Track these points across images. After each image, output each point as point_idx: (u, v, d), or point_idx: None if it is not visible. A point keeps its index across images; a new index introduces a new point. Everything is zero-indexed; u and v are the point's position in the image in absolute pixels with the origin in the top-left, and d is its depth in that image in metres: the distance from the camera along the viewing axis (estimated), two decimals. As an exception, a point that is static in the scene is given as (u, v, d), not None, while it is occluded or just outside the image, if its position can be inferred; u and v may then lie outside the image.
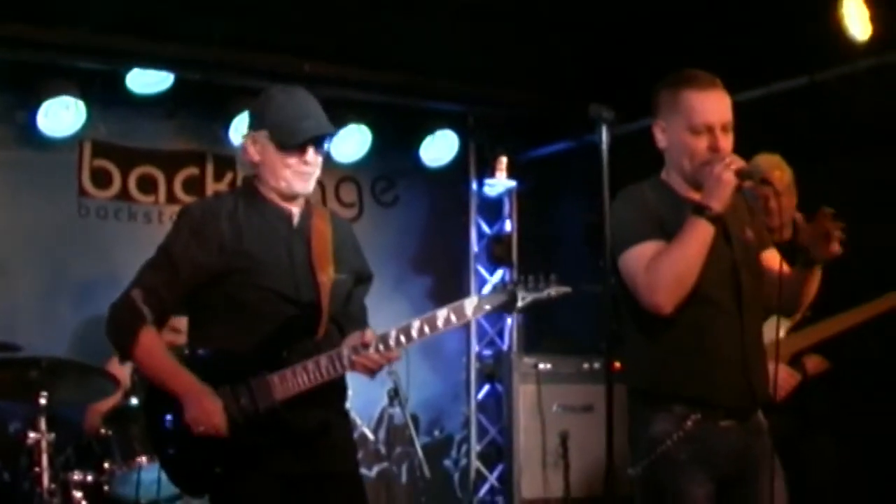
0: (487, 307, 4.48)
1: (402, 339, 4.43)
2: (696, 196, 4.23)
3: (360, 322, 4.72)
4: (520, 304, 4.44)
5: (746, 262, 4.33)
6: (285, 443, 4.39)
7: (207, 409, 4.30)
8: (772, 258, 4.46)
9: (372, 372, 4.47)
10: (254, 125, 4.64)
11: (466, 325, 9.74)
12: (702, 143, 4.24)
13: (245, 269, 4.45)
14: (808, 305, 4.45)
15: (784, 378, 5.69)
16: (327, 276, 4.54)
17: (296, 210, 4.60)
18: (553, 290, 4.50)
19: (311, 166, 4.52)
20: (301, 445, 4.43)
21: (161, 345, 4.48)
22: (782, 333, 5.85)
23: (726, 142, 4.26)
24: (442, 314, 4.43)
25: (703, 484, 4.17)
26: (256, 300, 4.44)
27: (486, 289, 9.80)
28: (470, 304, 4.45)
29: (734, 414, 4.23)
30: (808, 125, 7.29)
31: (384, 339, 4.40)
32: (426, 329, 4.43)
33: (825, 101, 7.43)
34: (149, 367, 4.52)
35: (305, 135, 4.46)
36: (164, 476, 5.33)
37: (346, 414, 4.81)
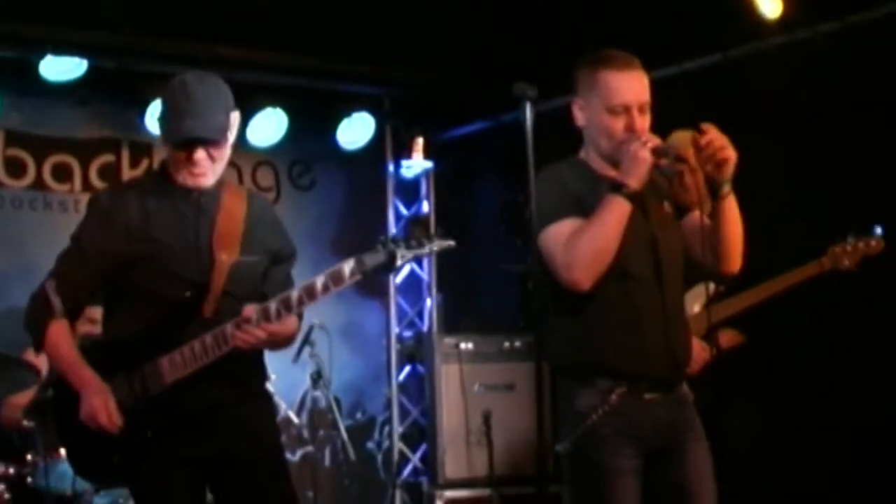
0: (366, 267, 4.26)
1: (282, 309, 4.28)
2: (613, 174, 4.28)
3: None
4: (399, 261, 4.30)
5: (665, 236, 4.37)
6: (178, 426, 4.35)
7: (97, 405, 4.26)
8: (693, 217, 4.47)
9: (252, 346, 4.32)
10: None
11: (386, 306, 9.78)
12: (619, 123, 4.29)
13: (151, 255, 4.39)
14: (736, 252, 4.42)
15: (696, 352, 5.73)
16: (228, 254, 4.44)
17: (196, 192, 4.48)
18: (435, 245, 4.37)
19: (201, 166, 4.38)
20: (194, 427, 4.36)
21: (66, 337, 4.44)
22: (697, 308, 5.94)
23: (643, 122, 4.31)
24: (320, 280, 4.25)
25: (631, 457, 4.21)
26: (163, 286, 4.39)
27: (403, 273, 9.82)
28: (347, 266, 4.26)
29: (659, 386, 4.28)
30: (720, 102, 7.37)
31: (264, 311, 4.28)
32: (305, 297, 4.27)
33: (737, 78, 7.53)
34: (54, 359, 4.52)
35: (179, 136, 4.34)
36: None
37: (259, 394, 4.69)
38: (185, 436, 4.35)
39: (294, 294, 4.29)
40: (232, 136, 4.47)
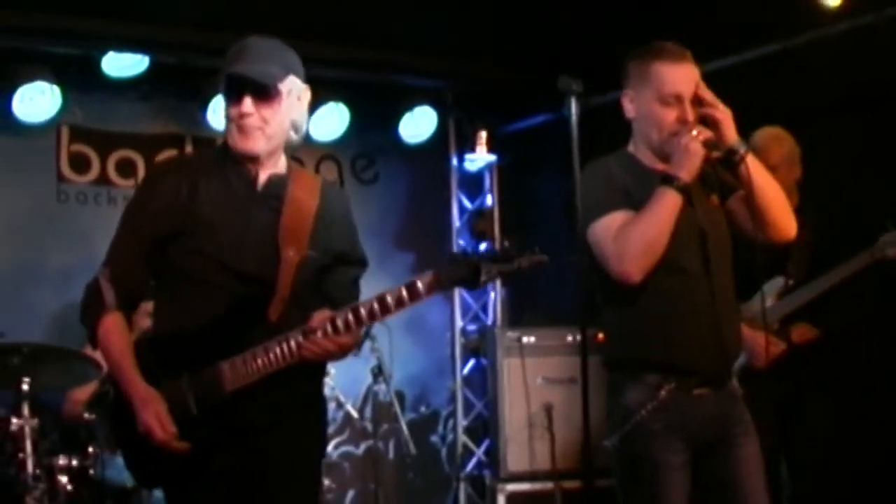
0: (445, 284, 3.96)
1: (352, 322, 3.94)
2: (662, 167, 4.26)
3: (343, 304, 4.11)
4: (484, 277, 3.93)
5: (713, 229, 4.35)
6: (233, 438, 4.01)
7: (151, 420, 3.91)
8: (737, 196, 4.46)
9: (321, 358, 4.02)
10: None
11: (450, 300, 9.76)
12: (670, 115, 4.27)
13: (190, 231, 4.05)
14: (780, 214, 4.35)
15: (764, 346, 5.69)
16: (296, 251, 4.09)
17: (263, 173, 4.14)
18: (525, 261, 4.01)
19: (251, 118, 4.03)
20: (250, 440, 4.02)
21: (118, 334, 4.11)
22: (769, 302, 5.88)
23: (695, 114, 4.28)
24: (393, 293, 3.94)
25: (679, 452, 4.19)
26: (199, 268, 4.04)
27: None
28: (424, 280, 3.95)
29: (708, 381, 4.25)
30: (781, 92, 7.29)
31: (333, 322, 3.94)
32: (378, 311, 3.94)
33: (798, 68, 7.43)
34: (105, 356, 4.20)
35: (225, 76, 4.03)
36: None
37: (316, 398, 4.34)
38: (237, 449, 4.01)
39: (366, 306, 3.96)
40: (291, 103, 4.17)
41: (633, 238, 4.12)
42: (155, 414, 3.93)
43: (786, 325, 5.99)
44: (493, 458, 8.90)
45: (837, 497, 6.56)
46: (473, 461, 9.57)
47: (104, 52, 7.97)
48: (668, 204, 4.13)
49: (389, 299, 3.94)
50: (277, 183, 4.17)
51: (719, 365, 4.28)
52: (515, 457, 8.56)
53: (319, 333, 3.95)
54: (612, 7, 7.82)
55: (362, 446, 9.13)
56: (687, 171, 4.15)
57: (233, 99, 4.05)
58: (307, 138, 8.46)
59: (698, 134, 4.18)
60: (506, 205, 9.85)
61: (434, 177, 9.82)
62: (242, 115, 4.02)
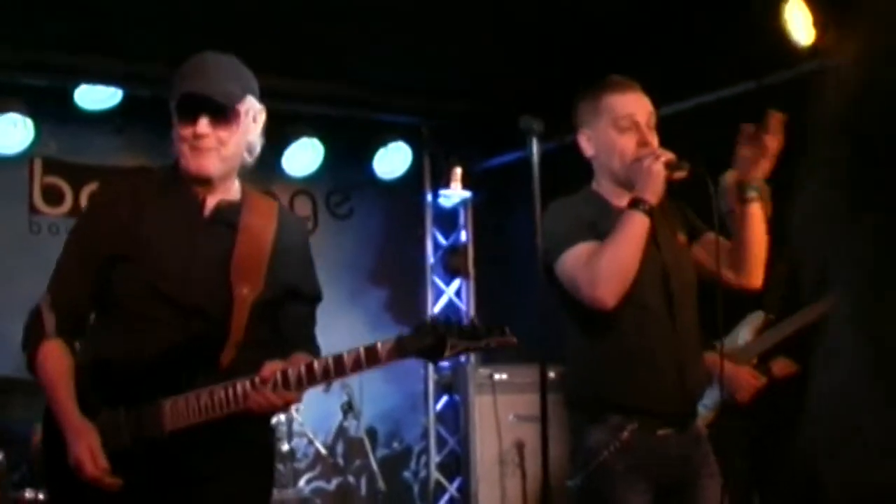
0: (407, 352, 3.72)
1: (305, 380, 3.73)
2: (626, 203, 4.25)
3: (297, 344, 3.99)
4: (448, 352, 3.71)
5: (677, 267, 4.35)
6: (167, 483, 3.78)
7: (82, 453, 3.69)
8: (709, 235, 4.45)
9: (264, 412, 3.79)
10: None
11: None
12: (630, 141, 4.29)
13: (133, 256, 3.83)
14: (758, 264, 4.36)
15: (748, 381, 5.71)
16: (251, 289, 3.87)
17: (212, 198, 3.92)
18: (493, 341, 3.83)
19: (207, 139, 3.81)
20: (185, 489, 3.80)
21: (54, 361, 3.88)
22: (749, 338, 5.89)
23: (653, 139, 4.30)
24: (352, 356, 3.71)
25: (642, 493, 4.17)
26: (141, 297, 3.81)
27: (441, 303, 9.80)
28: (386, 346, 3.73)
29: (672, 422, 4.24)
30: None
31: (284, 377, 3.73)
32: (332, 371, 3.72)
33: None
34: (42, 387, 3.92)
35: (181, 94, 3.80)
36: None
37: (262, 449, 4.11)
38: (171, 496, 3.79)
39: (321, 364, 3.76)
40: (247, 124, 3.93)
41: (603, 262, 4.10)
42: (87, 447, 3.71)
43: (765, 360, 5.99)
44: (465, 495, 8.87)
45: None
46: (446, 497, 9.54)
47: (77, 85, 7.97)
48: (636, 226, 4.11)
49: (346, 360, 3.73)
50: (229, 210, 3.97)
51: (682, 405, 4.27)
52: (486, 495, 8.51)
53: (269, 386, 3.73)
54: (588, 44, 7.83)
55: (334, 482, 9.09)
56: (651, 192, 4.14)
57: (187, 118, 3.83)
58: (280, 173, 8.58)
59: (660, 155, 4.18)
60: (480, 241, 9.86)
61: (409, 212, 9.82)
62: (198, 136, 3.81)
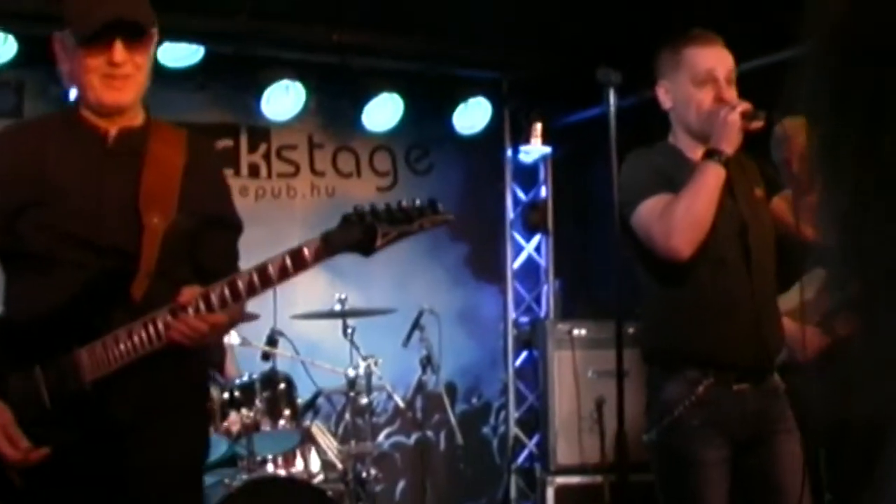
0: (335, 248, 3.45)
1: (228, 297, 3.46)
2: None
3: (222, 276, 3.59)
4: (380, 241, 3.43)
5: (756, 222, 4.31)
6: (95, 438, 3.50)
7: None
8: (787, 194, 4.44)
9: (192, 341, 3.48)
10: (63, 22, 3.65)
11: (503, 291, 9.74)
12: (707, 95, 4.27)
13: (39, 201, 3.55)
14: None
15: (812, 340, 5.65)
16: (161, 217, 3.58)
17: (113, 129, 3.64)
18: (427, 221, 3.52)
19: (122, 68, 3.52)
20: (114, 442, 3.52)
21: None
22: (810, 295, 5.84)
23: (731, 92, 4.27)
24: (275, 262, 3.45)
25: (718, 448, 4.17)
26: (51, 244, 3.54)
27: (521, 259, 9.80)
28: (311, 245, 3.46)
29: (748, 377, 4.22)
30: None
31: (206, 298, 3.46)
32: (257, 283, 3.44)
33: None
34: None
35: (96, 21, 3.47)
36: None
37: (193, 391, 3.86)
38: (97, 450, 3.51)
39: (244, 278, 3.48)
40: (154, 45, 3.70)
41: (678, 213, 4.08)
42: (1, 430, 3.44)
43: (829, 317, 5.93)
44: (543, 450, 8.89)
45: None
46: (525, 454, 9.56)
47: (160, 43, 7.98)
48: (711, 177, 4.10)
49: (271, 269, 3.46)
50: (133, 137, 3.69)
51: (760, 360, 4.25)
52: (565, 450, 8.53)
53: (190, 311, 3.46)
54: (668, 1, 7.77)
55: (413, 437, 9.14)
56: (727, 142, 4.11)
57: (100, 46, 3.51)
58: (360, 128, 8.59)
59: (736, 106, 4.16)
60: (560, 196, 9.82)
61: (488, 168, 9.79)
62: (115, 64, 3.52)
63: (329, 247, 3.45)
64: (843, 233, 0.61)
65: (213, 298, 3.46)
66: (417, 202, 3.53)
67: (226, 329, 3.82)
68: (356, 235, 3.44)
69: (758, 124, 4.16)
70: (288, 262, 3.45)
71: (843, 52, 0.56)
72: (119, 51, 3.51)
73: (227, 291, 3.47)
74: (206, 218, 3.74)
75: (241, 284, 3.47)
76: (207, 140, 4.18)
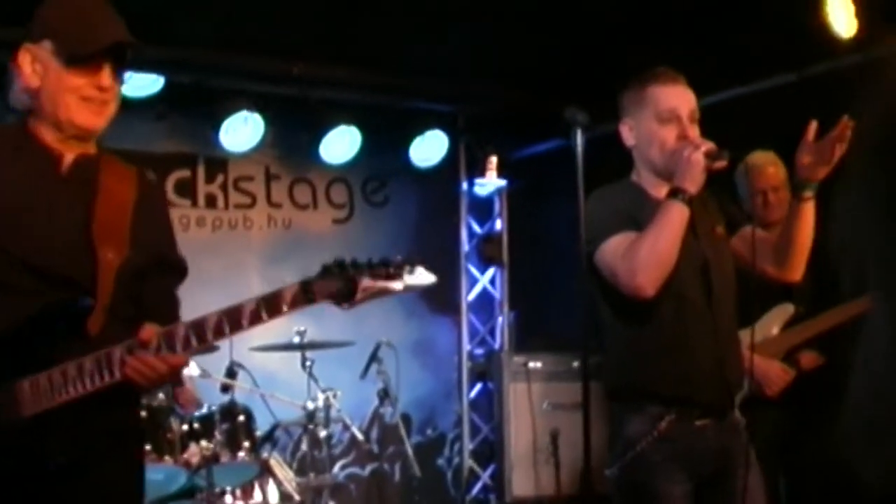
0: (314, 297, 3.29)
1: (193, 338, 3.30)
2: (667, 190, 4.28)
3: (165, 318, 3.47)
4: (360, 295, 3.29)
5: (717, 259, 4.36)
6: (24, 478, 3.29)
7: None
8: (747, 229, 4.48)
9: (148, 381, 3.32)
10: (33, 34, 3.51)
11: (457, 323, 9.78)
12: (671, 133, 4.30)
13: None
14: (802, 260, 4.38)
15: (778, 374, 5.74)
16: (116, 252, 3.44)
17: (69, 155, 3.51)
18: (413, 279, 3.40)
19: (107, 93, 3.46)
20: (46, 482, 3.31)
21: None
22: (776, 330, 5.91)
23: (694, 131, 4.31)
24: (249, 307, 3.28)
25: (681, 483, 4.19)
26: (9, 275, 3.37)
27: (475, 291, 9.84)
28: (288, 292, 3.30)
29: (710, 412, 4.26)
30: (796, 121, 7.33)
31: (168, 337, 3.30)
32: (226, 326, 3.29)
33: (813, 97, 7.47)
34: None
35: (100, 43, 3.39)
36: (156, 477, 5.40)
37: (133, 433, 3.70)
38: (28, 493, 3.32)
39: (211, 320, 3.32)
40: None
41: (643, 251, 4.11)
42: None
43: (792, 352, 6.00)
44: (499, 482, 8.92)
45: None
46: (479, 485, 9.57)
47: (119, 72, 8.01)
48: (675, 216, 4.13)
49: (243, 312, 3.31)
50: (87, 166, 3.56)
51: (721, 396, 4.29)
52: (520, 481, 8.57)
53: (151, 350, 3.30)
54: (627, 34, 7.85)
55: (368, 468, 9.15)
56: (691, 182, 4.14)
57: (87, 66, 3.43)
58: (318, 160, 8.61)
59: (700, 145, 4.19)
60: (515, 229, 9.89)
61: (444, 201, 9.84)
62: (102, 88, 3.45)
63: (307, 295, 3.30)
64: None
65: (177, 340, 3.32)
66: (399, 259, 3.42)
67: (177, 372, 3.52)
68: (337, 286, 3.31)
69: (721, 164, 4.21)
70: (262, 309, 3.30)
71: None
72: (107, 75, 3.44)
73: (192, 333, 3.32)
74: (154, 258, 3.62)
75: (208, 325, 3.32)
76: (156, 179, 3.99)
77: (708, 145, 4.20)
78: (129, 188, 3.58)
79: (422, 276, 3.42)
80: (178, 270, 3.76)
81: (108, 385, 3.29)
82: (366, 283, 3.30)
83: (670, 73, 4.39)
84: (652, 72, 4.41)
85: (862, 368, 0.72)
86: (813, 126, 4.24)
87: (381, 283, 3.33)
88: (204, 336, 3.31)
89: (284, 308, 3.29)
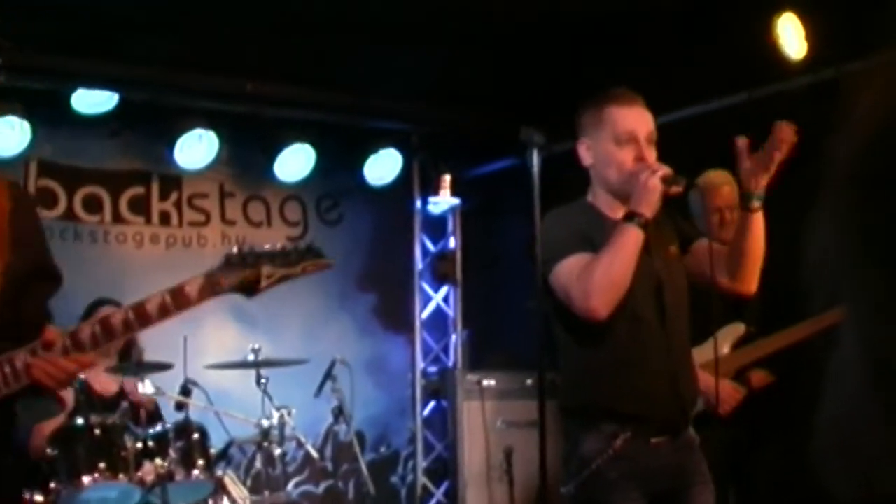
0: (220, 288, 3.36)
1: (100, 336, 3.29)
2: (622, 214, 4.30)
3: (36, 326, 3.41)
4: (264, 282, 3.40)
5: (670, 279, 4.41)
6: None
7: None
8: (702, 243, 4.52)
9: (57, 382, 3.31)
10: None
11: (411, 341, 9.79)
12: (628, 155, 4.33)
13: None
14: (755, 271, 4.41)
15: (729, 393, 5.78)
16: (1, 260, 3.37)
17: None
18: (310, 265, 3.52)
19: None
20: None
21: None
22: (726, 349, 5.95)
23: (651, 153, 4.35)
24: (155, 299, 3.31)
25: (636, 500, 4.23)
26: None
27: (429, 309, 9.87)
28: (194, 284, 3.35)
29: (665, 430, 4.30)
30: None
31: (75, 337, 3.28)
32: (134, 322, 3.30)
33: (763, 118, 7.54)
34: None
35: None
36: (110, 494, 5.40)
37: (6, 439, 3.64)
38: None
39: (119, 317, 3.34)
40: None
41: (597, 274, 4.14)
42: None
43: (742, 371, 6.05)
44: (453, 500, 8.93)
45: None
46: (433, 503, 9.57)
47: (74, 89, 8.01)
48: (630, 239, 4.16)
49: (150, 307, 3.33)
50: None
51: (675, 414, 4.33)
52: (474, 499, 8.58)
53: (58, 351, 3.27)
54: (581, 55, 7.91)
55: (322, 486, 9.14)
56: (647, 206, 4.18)
57: None
58: (272, 178, 8.66)
59: (657, 169, 4.24)
60: (468, 248, 9.91)
61: (398, 219, 9.86)
62: None
63: (213, 286, 3.37)
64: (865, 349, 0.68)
65: (84, 336, 3.30)
66: (300, 245, 3.55)
67: (84, 370, 3.52)
68: (241, 276, 3.40)
69: (677, 189, 4.26)
70: (168, 299, 3.32)
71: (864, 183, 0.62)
72: None
73: (98, 330, 3.31)
74: (33, 264, 3.55)
75: (115, 323, 3.32)
76: (29, 193, 3.78)
77: (664, 170, 4.24)
78: (3, 197, 3.50)
79: (320, 260, 3.56)
80: (54, 277, 3.65)
81: (14, 390, 3.28)
82: (268, 270, 3.41)
83: (629, 95, 4.43)
84: (610, 92, 4.45)
85: (833, 387, 0.75)
86: (742, 143, 4.29)
87: (283, 270, 3.43)
88: (112, 332, 3.31)
89: (191, 298, 3.33)
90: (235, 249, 3.41)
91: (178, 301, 3.33)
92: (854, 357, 0.69)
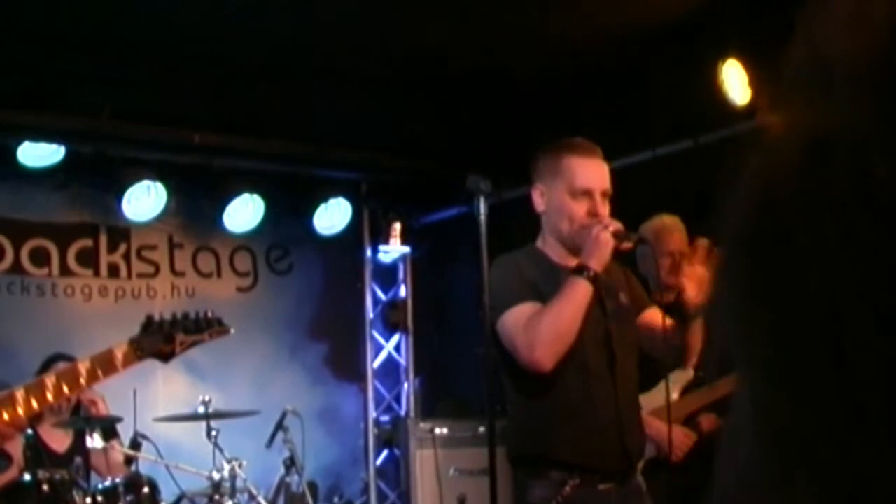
0: (144, 354, 3.66)
1: (34, 402, 3.46)
2: (571, 263, 4.31)
3: None
4: (178, 349, 3.75)
5: (619, 329, 4.40)
6: None
7: None
8: (654, 315, 4.51)
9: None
10: None
11: (363, 390, 9.77)
12: (581, 208, 4.33)
13: None
14: (695, 354, 4.48)
15: (680, 439, 5.77)
16: None
17: None
18: (214, 332, 3.87)
19: None
20: None
21: None
22: (675, 395, 5.96)
23: (605, 208, 4.36)
24: (84, 367, 3.54)
25: (586, 546, 4.24)
26: None
27: (380, 357, 9.85)
28: (119, 352, 3.63)
29: (612, 477, 4.29)
30: (693, 187, 7.45)
31: (9, 401, 3.43)
32: (64, 387, 3.49)
33: (709, 163, 7.59)
34: None
35: None
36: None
37: None
38: None
39: (50, 382, 3.52)
40: None
41: (543, 326, 4.14)
42: None
43: (692, 416, 6.06)
44: (406, 549, 8.88)
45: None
46: (386, 552, 9.54)
47: (20, 142, 7.97)
48: (579, 292, 4.16)
49: (81, 371, 3.52)
50: None
51: (623, 462, 4.32)
52: (428, 548, 8.54)
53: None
54: (527, 104, 7.96)
55: (275, 537, 9.07)
56: (598, 260, 4.18)
57: None
58: (221, 228, 8.65)
59: (608, 224, 4.24)
60: (419, 296, 9.92)
61: (348, 268, 9.86)
62: None
63: (139, 352, 3.64)
64: (757, 412, 0.68)
65: (18, 403, 3.43)
66: (207, 314, 3.81)
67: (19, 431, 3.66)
68: (160, 343, 3.69)
69: (628, 245, 4.27)
70: (97, 368, 3.54)
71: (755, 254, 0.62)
72: None
73: (32, 396, 3.46)
74: None
75: (49, 390, 3.49)
76: None
77: (616, 225, 4.25)
78: None
79: (221, 328, 3.88)
80: None
81: None
82: (181, 337, 3.72)
83: (587, 146, 4.42)
84: (569, 142, 4.44)
85: (726, 458, 0.75)
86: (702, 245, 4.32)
87: (193, 337, 3.75)
88: (44, 398, 3.49)
89: (119, 366, 3.60)
90: (148, 318, 3.70)
91: (105, 368, 3.57)
92: (744, 423, 0.69)
